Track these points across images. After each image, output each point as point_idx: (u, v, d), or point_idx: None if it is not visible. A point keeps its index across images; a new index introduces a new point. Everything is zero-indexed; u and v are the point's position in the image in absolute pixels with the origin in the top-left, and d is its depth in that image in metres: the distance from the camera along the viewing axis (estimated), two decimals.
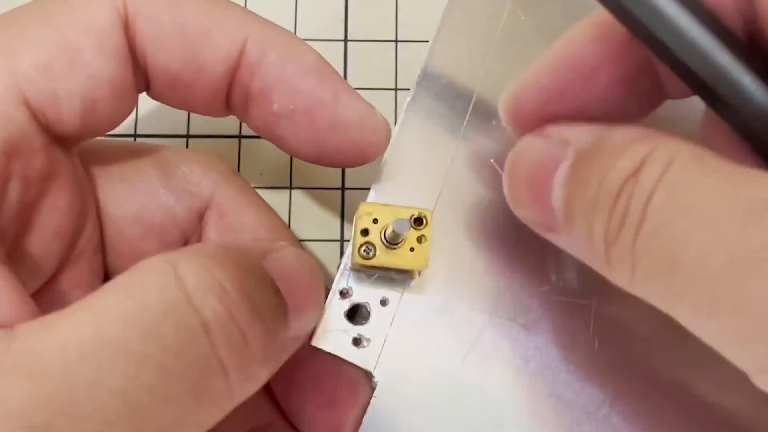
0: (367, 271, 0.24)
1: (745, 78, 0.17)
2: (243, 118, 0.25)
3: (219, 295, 0.18)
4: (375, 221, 0.23)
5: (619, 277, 0.18)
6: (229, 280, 0.18)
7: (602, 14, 0.19)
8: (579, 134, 0.19)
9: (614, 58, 0.20)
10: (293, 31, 0.35)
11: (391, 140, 0.25)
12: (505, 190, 0.21)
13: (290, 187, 0.34)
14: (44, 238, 0.22)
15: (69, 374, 0.16)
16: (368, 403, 0.24)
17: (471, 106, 0.26)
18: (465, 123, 0.26)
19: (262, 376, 0.19)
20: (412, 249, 0.23)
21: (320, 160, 0.25)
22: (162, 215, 0.25)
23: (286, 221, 0.33)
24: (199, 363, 0.17)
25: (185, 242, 0.26)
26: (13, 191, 0.21)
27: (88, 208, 0.24)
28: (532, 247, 0.24)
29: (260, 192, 0.33)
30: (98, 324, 0.17)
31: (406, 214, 0.23)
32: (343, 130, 0.24)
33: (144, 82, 0.24)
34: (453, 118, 0.26)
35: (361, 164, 0.25)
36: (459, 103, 0.26)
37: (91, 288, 0.24)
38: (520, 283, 0.24)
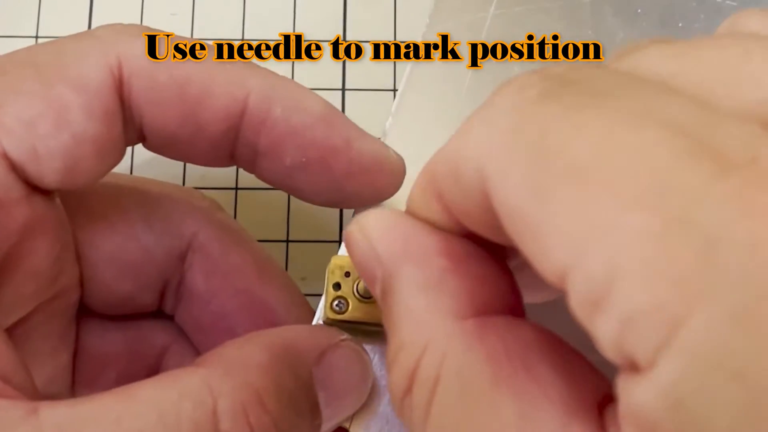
0: (341, 326, 0.23)
1: None
2: (251, 171, 0.24)
3: None
4: (347, 275, 0.22)
5: None
6: (269, 416, 0.19)
7: None
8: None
9: None
10: (291, 31, 0.34)
11: None
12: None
13: None
14: (21, 279, 0.22)
15: None
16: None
17: None
18: None
19: None
20: None
21: (338, 204, 0.24)
22: (140, 256, 0.25)
23: (284, 222, 0.33)
24: None
25: (164, 284, 0.26)
26: None
27: (68, 248, 0.24)
28: None
29: (258, 194, 0.33)
30: None
31: None
32: (360, 174, 0.23)
33: (138, 137, 0.23)
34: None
35: (380, 202, 0.24)
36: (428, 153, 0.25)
37: (67, 324, 0.25)
38: None
